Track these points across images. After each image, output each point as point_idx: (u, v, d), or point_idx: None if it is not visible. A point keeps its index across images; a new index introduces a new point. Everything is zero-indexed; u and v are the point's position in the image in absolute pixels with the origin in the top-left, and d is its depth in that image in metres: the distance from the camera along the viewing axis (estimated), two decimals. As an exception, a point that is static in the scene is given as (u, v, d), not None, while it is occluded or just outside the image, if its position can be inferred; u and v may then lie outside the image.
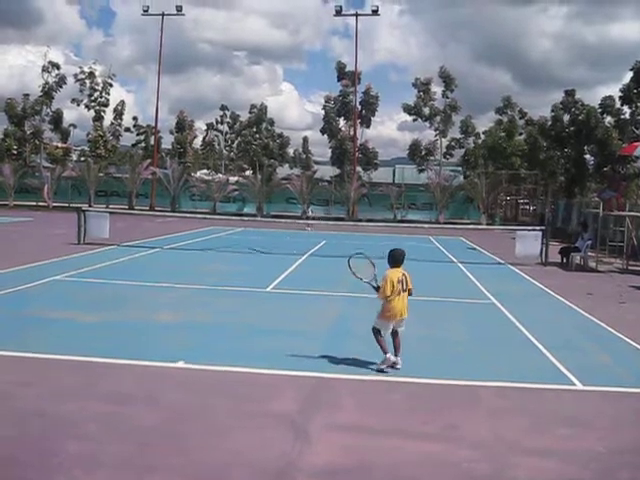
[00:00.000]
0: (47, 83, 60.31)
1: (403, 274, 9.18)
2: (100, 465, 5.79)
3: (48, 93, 60.38)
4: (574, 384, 8.88)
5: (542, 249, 23.48)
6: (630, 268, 23.28)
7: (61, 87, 61.25)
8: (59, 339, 10.24)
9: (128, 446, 6.22)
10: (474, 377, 8.93)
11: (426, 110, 59.21)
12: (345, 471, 5.90)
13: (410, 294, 9.29)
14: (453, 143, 61.29)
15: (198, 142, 73.06)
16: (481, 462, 6.23)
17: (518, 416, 7.59)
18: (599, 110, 50.82)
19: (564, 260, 23.38)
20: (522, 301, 15.62)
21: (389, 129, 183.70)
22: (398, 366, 9.02)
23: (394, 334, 9.18)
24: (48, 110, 61.56)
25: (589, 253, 23.81)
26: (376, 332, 9.10)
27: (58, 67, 61.26)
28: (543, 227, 25.26)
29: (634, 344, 11.35)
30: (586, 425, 7.35)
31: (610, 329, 12.54)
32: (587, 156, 52.96)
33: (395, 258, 9.32)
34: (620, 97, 49.66)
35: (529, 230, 25.38)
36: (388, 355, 8.96)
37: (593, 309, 14.40)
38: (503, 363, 9.92)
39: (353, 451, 6.37)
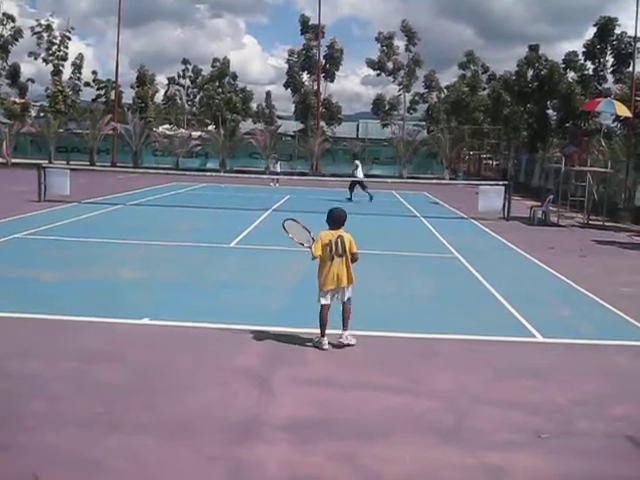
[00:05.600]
0: (2, 36, 58.64)
1: (339, 237, 8.16)
2: (66, 423, 5.78)
3: (4, 47, 58.72)
4: (535, 336, 9.04)
5: (505, 204, 23.69)
6: (591, 222, 23.65)
7: (17, 40, 59.55)
8: (22, 298, 10.10)
9: (94, 404, 6.20)
10: (438, 330, 9.04)
11: (389, 65, 58.95)
12: (310, 424, 5.96)
13: (354, 260, 8.26)
14: (417, 98, 61.31)
15: (160, 97, 72.12)
16: (444, 413, 6.33)
17: (481, 369, 7.70)
18: (562, 66, 50.96)
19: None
20: (485, 255, 15.79)
21: (353, 83, 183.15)
22: (344, 341, 8.17)
23: (342, 305, 8.30)
24: (4, 64, 60.02)
25: (550, 208, 24.09)
26: (321, 307, 8.24)
27: (13, 19, 59.53)
28: (506, 182, 25.45)
29: (594, 297, 11.57)
30: (547, 377, 7.50)
31: (571, 282, 12.75)
32: (550, 111, 53.28)
33: (333, 218, 8.34)
34: (584, 53, 49.84)
35: (492, 185, 25.59)
36: (320, 339, 8.16)
37: (554, 263, 14.61)
38: (466, 316, 10.04)
39: (318, 404, 6.44)
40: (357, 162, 30.75)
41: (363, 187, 29.10)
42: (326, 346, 8.11)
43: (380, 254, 14.77)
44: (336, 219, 8.33)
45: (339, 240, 8.15)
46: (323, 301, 8.22)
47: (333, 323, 8.24)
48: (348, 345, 8.16)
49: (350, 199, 28.13)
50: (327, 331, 8.20)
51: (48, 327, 8.63)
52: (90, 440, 5.47)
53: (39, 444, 5.38)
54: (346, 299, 8.26)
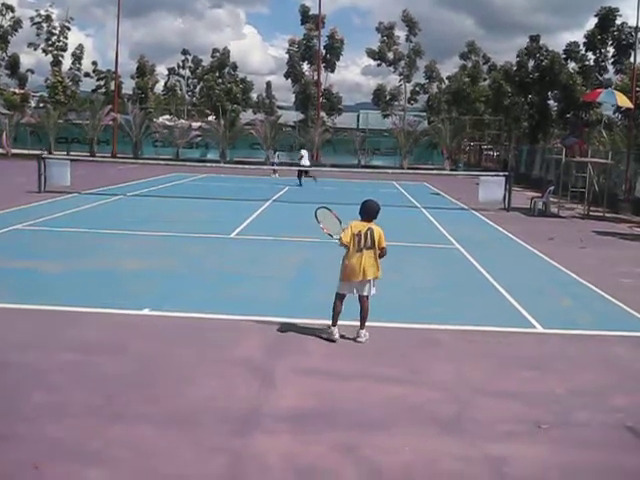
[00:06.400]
0: (1, 27, 58.49)
1: (369, 229, 7.99)
2: (67, 414, 5.78)
3: (3, 37, 58.61)
4: (535, 327, 9.04)
5: (505, 195, 23.66)
6: (591, 214, 23.63)
7: (16, 31, 59.55)
8: (22, 289, 10.10)
9: (95, 395, 6.20)
10: (438, 321, 9.04)
11: (390, 55, 58.87)
12: (311, 415, 5.96)
13: (382, 254, 8.09)
14: (417, 88, 61.29)
15: (160, 87, 72.04)
16: (445, 404, 6.34)
17: (481, 359, 7.70)
18: (563, 56, 50.88)
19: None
20: (485, 246, 15.78)
21: (353, 74, 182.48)
22: (359, 339, 8.07)
23: (359, 301, 8.16)
24: (4, 55, 59.93)
25: (551, 199, 24.07)
26: (336, 296, 8.18)
27: (12, 10, 59.46)
28: (507, 173, 25.42)
29: (594, 288, 11.57)
30: (547, 367, 7.50)
31: (571, 273, 12.75)
32: (551, 102, 53.20)
33: (365, 210, 8.16)
34: (584, 43, 49.76)
35: (492, 176, 25.56)
36: (331, 329, 8.10)
37: (554, 254, 14.60)
38: (467, 307, 10.05)
39: (319, 395, 6.43)
40: (302, 151, 34.81)
41: (306, 173, 32.34)
42: (337, 335, 8.07)
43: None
44: (369, 211, 8.16)
45: (369, 232, 8.00)
46: (341, 291, 8.16)
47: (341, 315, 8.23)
48: (359, 342, 8.07)
49: (300, 185, 30.81)
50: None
51: (48, 318, 8.62)
52: (91, 431, 5.47)
53: (39, 435, 5.38)
54: (371, 294, 8.11)
